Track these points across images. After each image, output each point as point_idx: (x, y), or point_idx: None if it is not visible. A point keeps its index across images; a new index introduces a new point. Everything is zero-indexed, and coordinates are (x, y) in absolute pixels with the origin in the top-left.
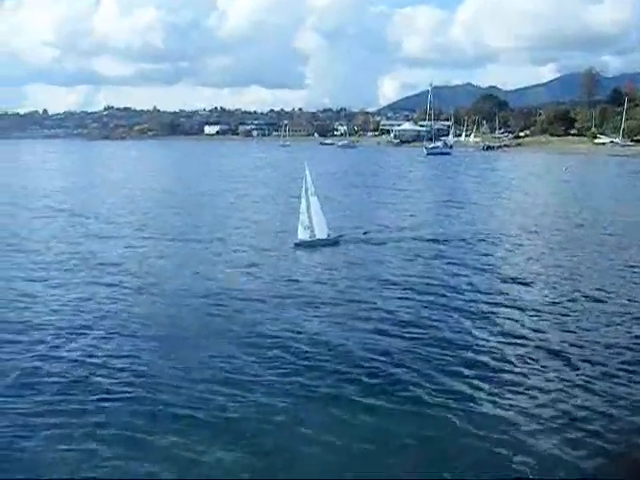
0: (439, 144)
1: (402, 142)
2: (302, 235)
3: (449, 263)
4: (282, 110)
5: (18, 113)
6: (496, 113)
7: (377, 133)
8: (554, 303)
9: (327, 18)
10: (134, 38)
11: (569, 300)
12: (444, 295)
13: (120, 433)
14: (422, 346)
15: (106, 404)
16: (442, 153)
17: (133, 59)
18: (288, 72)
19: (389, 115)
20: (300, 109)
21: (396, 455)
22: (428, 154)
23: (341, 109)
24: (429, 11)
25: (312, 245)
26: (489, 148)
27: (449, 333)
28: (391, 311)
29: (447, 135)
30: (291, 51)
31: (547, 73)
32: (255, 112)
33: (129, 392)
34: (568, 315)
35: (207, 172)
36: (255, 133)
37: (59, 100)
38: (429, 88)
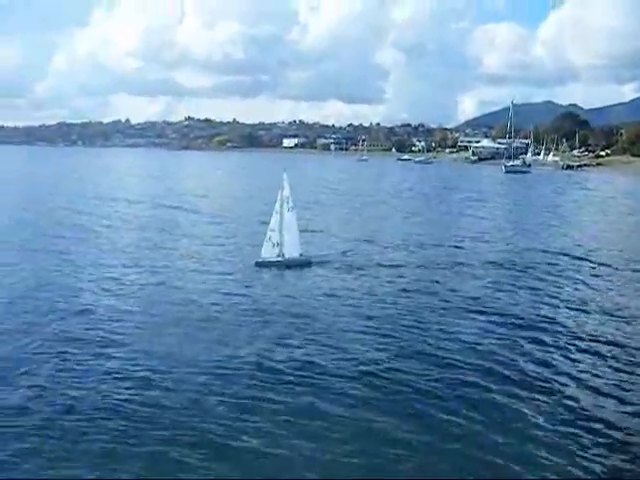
0: (518, 162)
1: (480, 159)
2: (267, 253)
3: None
4: (360, 124)
5: (102, 122)
6: (576, 132)
7: (455, 150)
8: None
9: (407, 33)
10: (216, 51)
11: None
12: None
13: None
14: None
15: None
16: (521, 171)
17: (214, 71)
18: (367, 87)
19: (467, 132)
20: (378, 124)
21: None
22: (506, 172)
23: (419, 125)
24: (510, 28)
25: (278, 265)
26: (569, 167)
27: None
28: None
29: (526, 153)
30: (370, 66)
31: (629, 92)
32: (333, 126)
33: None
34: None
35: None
36: (333, 147)
37: (141, 110)
38: (509, 105)
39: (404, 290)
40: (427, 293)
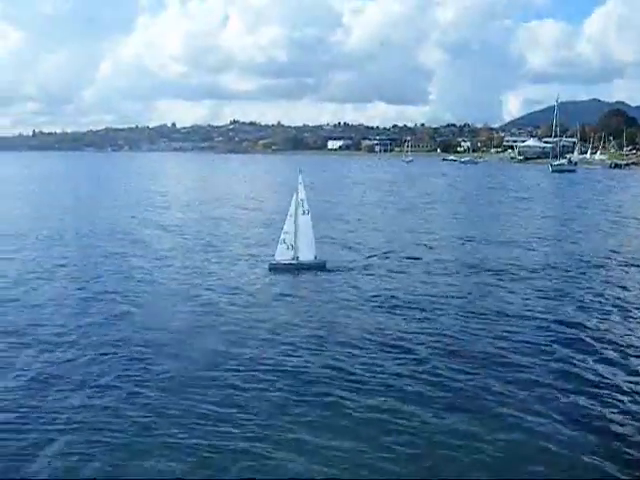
0: (564, 161)
1: (526, 159)
2: (281, 256)
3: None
4: (405, 125)
5: (148, 126)
6: (624, 130)
7: (500, 149)
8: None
9: (451, 33)
10: (259, 54)
11: None
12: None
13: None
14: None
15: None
16: (567, 170)
17: (258, 75)
18: (411, 87)
19: (513, 131)
20: (423, 124)
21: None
22: (553, 171)
23: (464, 125)
24: (554, 25)
25: (291, 268)
26: (616, 166)
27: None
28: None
29: (572, 152)
30: (414, 67)
31: None
32: (378, 127)
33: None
34: None
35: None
36: (378, 148)
37: (187, 114)
38: (555, 104)
39: (429, 293)
40: (457, 297)
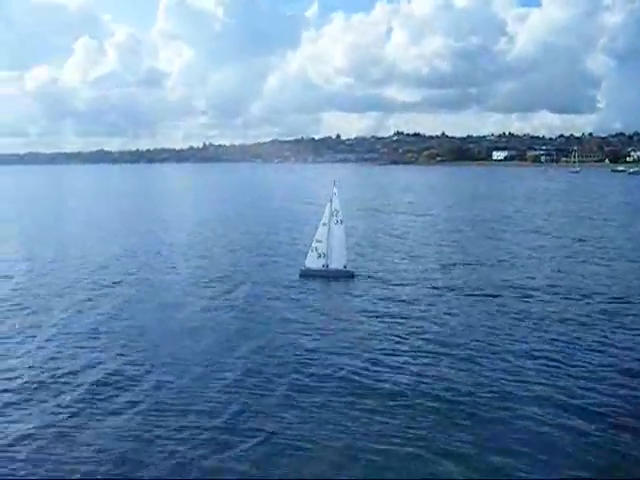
0: None
1: None
2: (311, 263)
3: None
4: (571, 135)
5: (313, 138)
6: None
7: None
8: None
9: (619, 38)
10: (423, 65)
11: None
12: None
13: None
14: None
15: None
16: None
17: (421, 86)
18: (577, 96)
19: None
20: (590, 134)
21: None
22: None
23: (634, 133)
24: None
25: (321, 275)
26: None
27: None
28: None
29: None
30: (581, 74)
31: None
32: (543, 137)
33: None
34: None
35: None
36: (543, 159)
37: (351, 125)
38: None
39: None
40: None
